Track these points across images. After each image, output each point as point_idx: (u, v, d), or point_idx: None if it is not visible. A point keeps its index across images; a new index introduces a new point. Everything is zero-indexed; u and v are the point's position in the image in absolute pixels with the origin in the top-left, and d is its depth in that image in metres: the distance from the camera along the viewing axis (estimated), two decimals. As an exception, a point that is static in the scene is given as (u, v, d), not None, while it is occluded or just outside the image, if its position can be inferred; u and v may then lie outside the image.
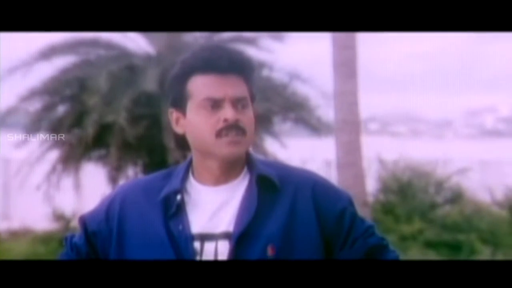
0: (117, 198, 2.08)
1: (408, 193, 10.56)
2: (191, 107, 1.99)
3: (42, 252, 9.09)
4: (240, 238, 1.95)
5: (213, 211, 1.99)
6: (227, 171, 2.00)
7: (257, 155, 2.11)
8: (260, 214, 1.97)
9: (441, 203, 10.70)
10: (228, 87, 1.97)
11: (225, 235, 1.97)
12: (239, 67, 1.99)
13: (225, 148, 1.96)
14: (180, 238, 1.97)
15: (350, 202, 2.05)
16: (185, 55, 2.04)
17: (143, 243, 2.00)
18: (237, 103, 1.97)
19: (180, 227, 1.97)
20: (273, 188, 2.01)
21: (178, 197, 2.00)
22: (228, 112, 1.95)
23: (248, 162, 2.04)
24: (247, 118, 1.98)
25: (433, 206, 10.57)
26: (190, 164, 2.05)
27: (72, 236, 2.13)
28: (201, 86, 1.98)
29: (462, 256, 9.82)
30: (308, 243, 1.99)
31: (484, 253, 9.88)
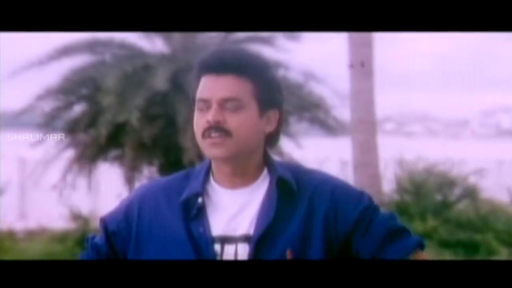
0: (136, 198, 2.08)
1: (423, 192, 10.53)
2: (195, 108, 2.01)
3: (59, 251, 9.12)
4: (260, 242, 1.96)
5: (233, 214, 1.99)
6: (240, 174, 2.00)
7: (273, 157, 2.09)
8: (279, 218, 1.97)
9: (455, 201, 10.65)
10: (218, 87, 1.97)
11: (245, 238, 1.97)
12: (237, 67, 1.98)
13: (207, 149, 1.98)
14: (201, 241, 1.97)
15: (370, 202, 2.04)
16: (202, 56, 2.05)
17: (162, 244, 2.00)
18: (225, 104, 1.96)
19: (201, 229, 1.98)
20: (291, 191, 2.00)
21: (199, 199, 2.00)
22: (210, 114, 1.95)
23: (268, 164, 2.03)
24: (236, 119, 1.96)
25: (448, 205, 10.53)
26: (210, 166, 2.05)
27: (94, 237, 2.13)
28: (200, 87, 2.00)
29: (479, 257, 9.77)
30: (327, 246, 1.98)
31: (502, 254, 9.83)
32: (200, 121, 1.98)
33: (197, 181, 2.03)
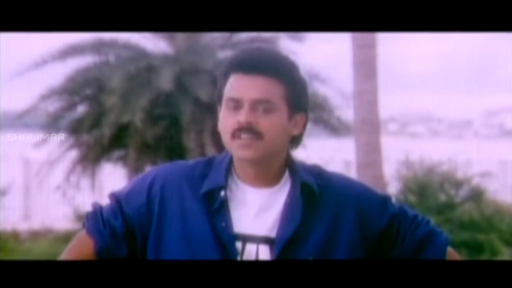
0: (157, 181, 2.02)
1: (427, 193, 10.52)
2: (222, 106, 1.98)
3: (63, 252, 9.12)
4: (284, 247, 1.94)
5: (255, 213, 1.97)
6: (262, 174, 1.98)
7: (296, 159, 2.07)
8: (304, 224, 1.96)
9: (459, 202, 10.64)
10: (251, 88, 1.94)
11: (267, 240, 1.95)
12: (270, 68, 1.95)
13: (237, 150, 1.95)
14: (223, 236, 1.95)
15: (394, 208, 2.03)
16: (232, 54, 2.03)
17: (185, 233, 1.97)
18: (257, 105, 1.93)
19: (223, 224, 1.95)
20: (314, 197, 1.99)
21: (222, 193, 1.97)
22: (242, 115, 1.93)
23: (289, 167, 2.02)
24: (268, 121, 1.93)
25: (452, 205, 10.52)
26: (231, 159, 2.02)
27: (101, 208, 2.06)
28: (229, 86, 1.97)
29: (483, 257, 9.76)
30: (351, 255, 1.97)
31: (505, 254, 9.82)
32: (229, 120, 1.95)
33: (219, 173, 1.99)
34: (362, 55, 9.27)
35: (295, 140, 2.03)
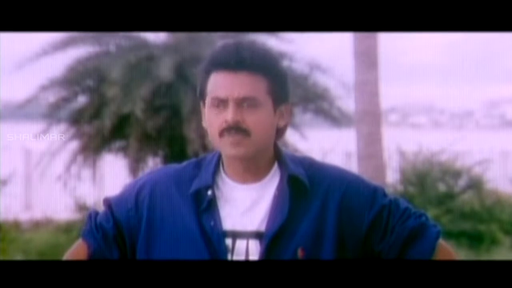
0: (146, 186, 2.05)
1: (426, 184, 10.52)
2: (206, 104, 1.98)
3: (64, 242, 9.13)
4: (272, 240, 1.94)
5: (244, 209, 1.98)
6: (251, 169, 1.99)
7: (286, 150, 2.07)
8: (292, 216, 1.96)
9: (460, 192, 10.65)
10: (235, 86, 1.94)
11: (256, 235, 1.95)
12: (252, 64, 1.95)
13: (227, 148, 1.96)
14: (212, 234, 1.96)
15: (384, 200, 2.01)
16: (212, 51, 2.02)
17: (174, 235, 1.99)
18: (242, 103, 1.94)
19: (212, 223, 1.96)
20: (303, 189, 1.99)
21: (209, 192, 1.98)
22: (229, 114, 1.93)
23: (278, 159, 2.02)
24: (255, 118, 1.94)
25: (452, 195, 10.53)
26: (220, 157, 2.03)
27: (97, 215, 2.09)
28: (213, 84, 1.97)
29: (483, 247, 9.77)
30: (340, 245, 1.97)
31: (505, 244, 9.83)
32: (216, 120, 1.95)
33: (207, 172, 2.01)
34: (363, 46, 9.27)
35: (280, 131, 2.04)
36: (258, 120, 1.95)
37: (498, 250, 9.71)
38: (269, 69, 1.98)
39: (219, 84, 1.96)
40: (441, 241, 2.03)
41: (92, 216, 2.10)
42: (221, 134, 1.95)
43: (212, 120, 1.96)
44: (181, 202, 2.00)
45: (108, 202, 2.08)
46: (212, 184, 1.99)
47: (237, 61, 1.95)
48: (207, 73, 1.98)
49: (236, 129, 1.93)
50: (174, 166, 2.10)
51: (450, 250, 2.05)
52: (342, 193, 1.99)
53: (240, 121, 1.93)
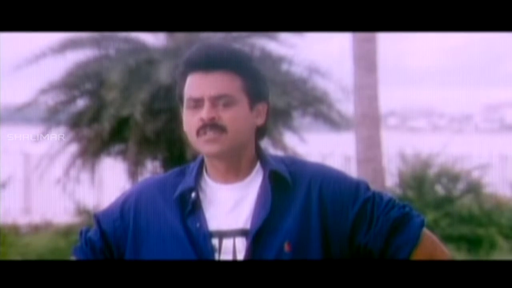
0: (131, 196, 2.09)
1: (425, 187, 10.53)
2: (184, 107, 2.02)
3: (63, 246, 9.14)
4: (257, 235, 1.96)
5: (229, 209, 2.00)
6: (234, 169, 2.01)
7: (267, 151, 2.10)
8: (276, 211, 1.98)
9: (458, 195, 10.65)
10: (208, 85, 1.98)
11: (242, 232, 1.97)
12: (225, 63, 1.99)
13: (203, 146, 1.99)
14: (198, 236, 1.98)
15: (367, 193, 2.03)
16: (186, 54, 2.06)
17: (160, 241, 2.01)
18: (217, 101, 1.97)
19: (198, 224, 1.99)
20: (285, 184, 2.01)
21: (193, 194, 2.01)
22: (203, 112, 1.97)
23: (260, 158, 2.04)
24: (230, 115, 1.97)
25: (451, 199, 10.53)
26: (203, 161, 2.07)
27: (87, 230, 2.13)
28: (188, 86, 2.01)
29: (482, 251, 9.78)
30: (326, 239, 1.98)
31: (504, 248, 9.83)
32: (192, 119, 1.99)
33: (190, 176, 2.04)
34: (362, 49, 9.28)
35: (261, 130, 2.06)
36: (234, 117, 1.98)
37: (497, 254, 9.71)
38: (242, 67, 2.01)
39: (194, 85, 2.00)
40: (425, 230, 2.04)
41: (84, 232, 2.14)
42: (198, 133, 1.99)
43: (189, 121, 2.01)
44: (166, 207, 2.03)
45: (96, 217, 2.12)
46: (195, 186, 2.02)
47: (209, 61, 1.99)
48: (183, 75, 2.03)
49: (211, 126, 1.97)
50: (159, 175, 2.15)
51: (434, 239, 2.05)
52: (325, 187, 2.01)
53: (215, 117, 1.97)
